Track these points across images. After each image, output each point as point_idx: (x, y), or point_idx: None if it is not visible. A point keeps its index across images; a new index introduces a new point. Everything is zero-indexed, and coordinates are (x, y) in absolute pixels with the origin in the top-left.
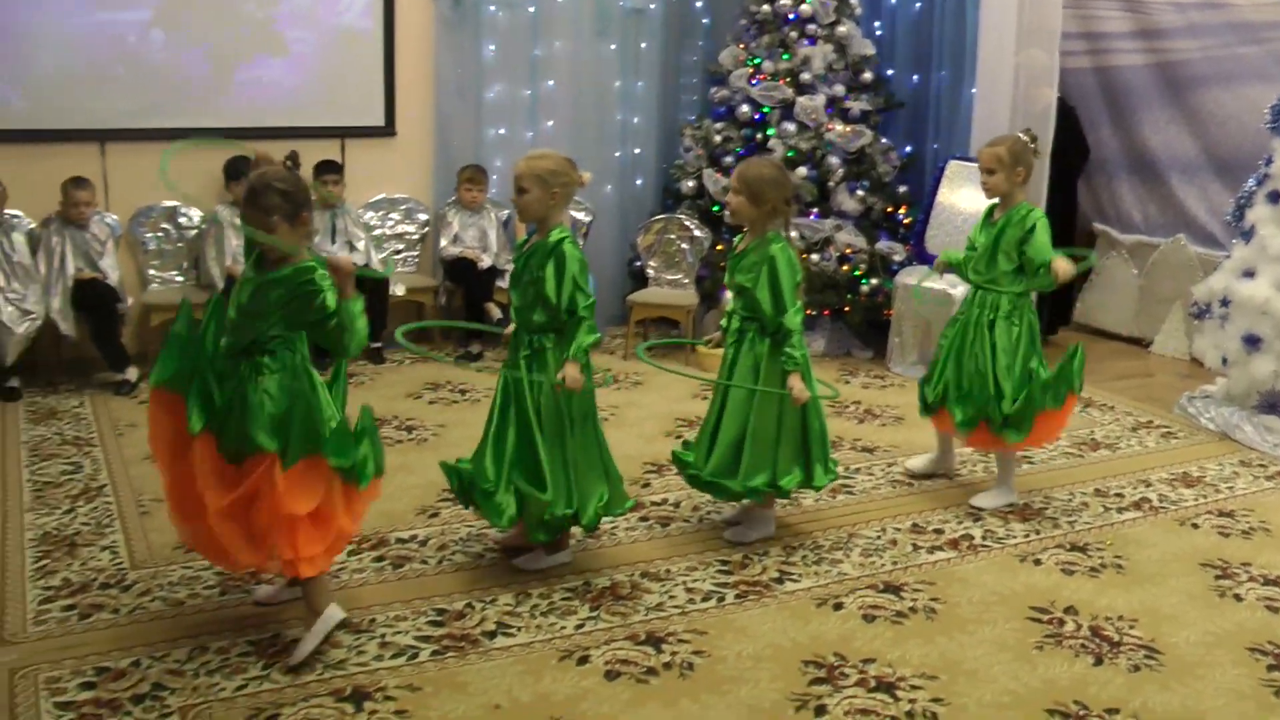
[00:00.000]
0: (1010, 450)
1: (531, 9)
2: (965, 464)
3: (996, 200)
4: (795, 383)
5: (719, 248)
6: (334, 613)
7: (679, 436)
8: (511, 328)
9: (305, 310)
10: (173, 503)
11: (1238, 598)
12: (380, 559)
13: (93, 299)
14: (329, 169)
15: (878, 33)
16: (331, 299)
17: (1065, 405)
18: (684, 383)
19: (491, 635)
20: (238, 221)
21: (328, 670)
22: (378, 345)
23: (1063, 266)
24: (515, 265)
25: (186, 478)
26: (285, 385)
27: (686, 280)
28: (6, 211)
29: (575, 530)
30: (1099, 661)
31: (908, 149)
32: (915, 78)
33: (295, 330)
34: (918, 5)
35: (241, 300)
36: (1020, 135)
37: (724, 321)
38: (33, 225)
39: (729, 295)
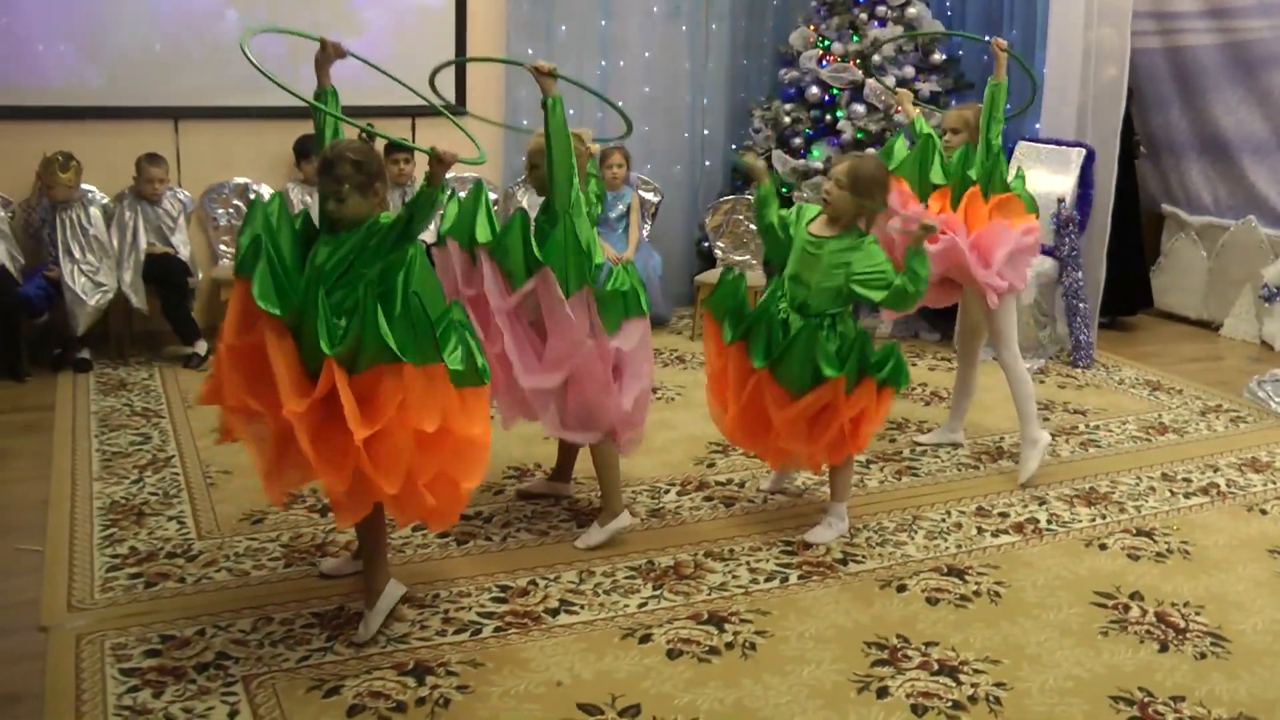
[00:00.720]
0: None
1: None
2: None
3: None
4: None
5: None
6: (395, 589)
7: None
8: None
9: (396, 247)
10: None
11: None
12: (445, 535)
13: (164, 273)
14: (397, 148)
15: (948, 11)
16: (416, 222)
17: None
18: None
19: (554, 613)
20: (308, 199)
21: (390, 644)
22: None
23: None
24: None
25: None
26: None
27: (754, 261)
28: (82, 186)
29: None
30: (1164, 648)
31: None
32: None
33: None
34: None
35: (318, 260)
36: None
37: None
38: (107, 200)
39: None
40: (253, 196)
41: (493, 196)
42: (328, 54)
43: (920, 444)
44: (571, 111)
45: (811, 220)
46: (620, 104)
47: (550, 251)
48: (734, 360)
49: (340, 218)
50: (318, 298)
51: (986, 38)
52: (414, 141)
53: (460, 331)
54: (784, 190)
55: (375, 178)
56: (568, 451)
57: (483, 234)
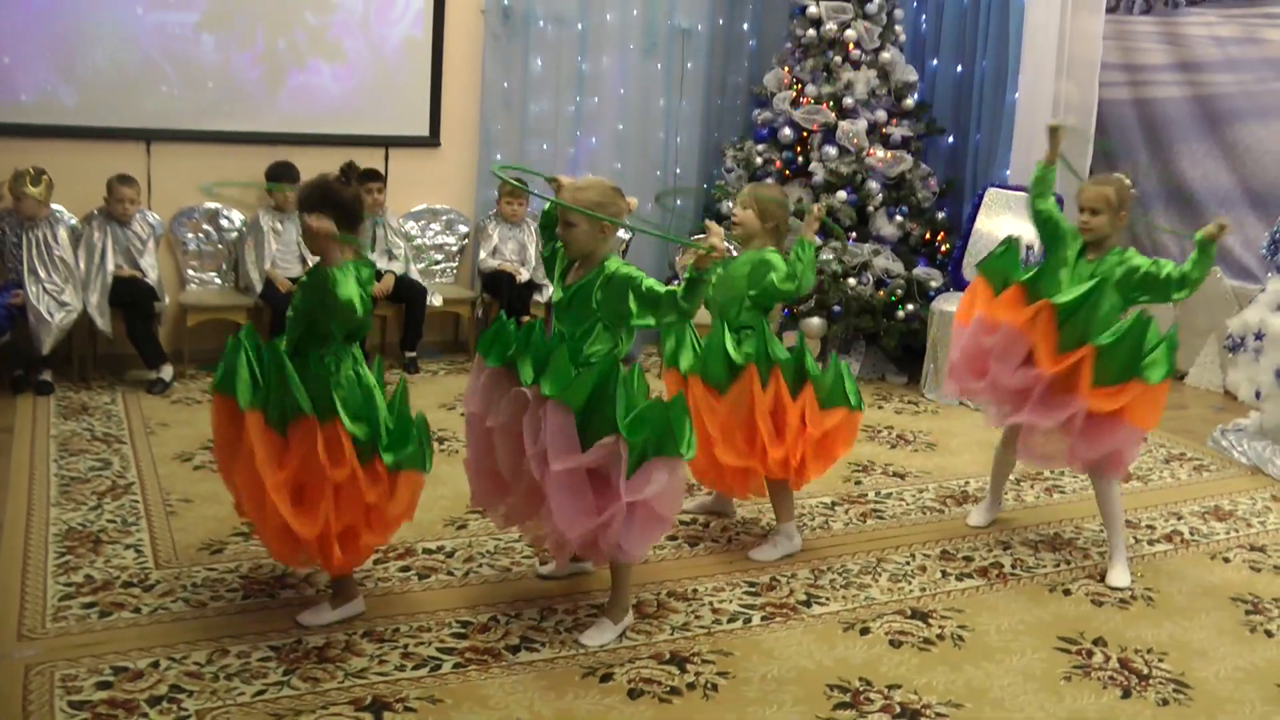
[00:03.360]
0: None
1: (580, 25)
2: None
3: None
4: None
5: None
6: (359, 605)
7: None
8: None
9: (317, 297)
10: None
11: (1268, 633)
12: (406, 569)
13: (131, 296)
14: (371, 177)
15: (923, 55)
16: (343, 291)
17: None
18: None
19: (515, 649)
20: (278, 227)
21: (348, 679)
22: (413, 355)
23: (1210, 231)
24: (560, 297)
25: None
26: (350, 378)
27: None
28: (51, 206)
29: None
30: (1127, 694)
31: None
32: (958, 68)
33: (325, 317)
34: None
35: (295, 299)
36: (1123, 178)
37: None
38: (75, 221)
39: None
40: (223, 222)
41: (462, 230)
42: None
43: (972, 526)
44: (545, 146)
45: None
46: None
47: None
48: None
49: (310, 247)
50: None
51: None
52: (387, 170)
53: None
54: None
55: (348, 217)
56: None
57: (577, 398)
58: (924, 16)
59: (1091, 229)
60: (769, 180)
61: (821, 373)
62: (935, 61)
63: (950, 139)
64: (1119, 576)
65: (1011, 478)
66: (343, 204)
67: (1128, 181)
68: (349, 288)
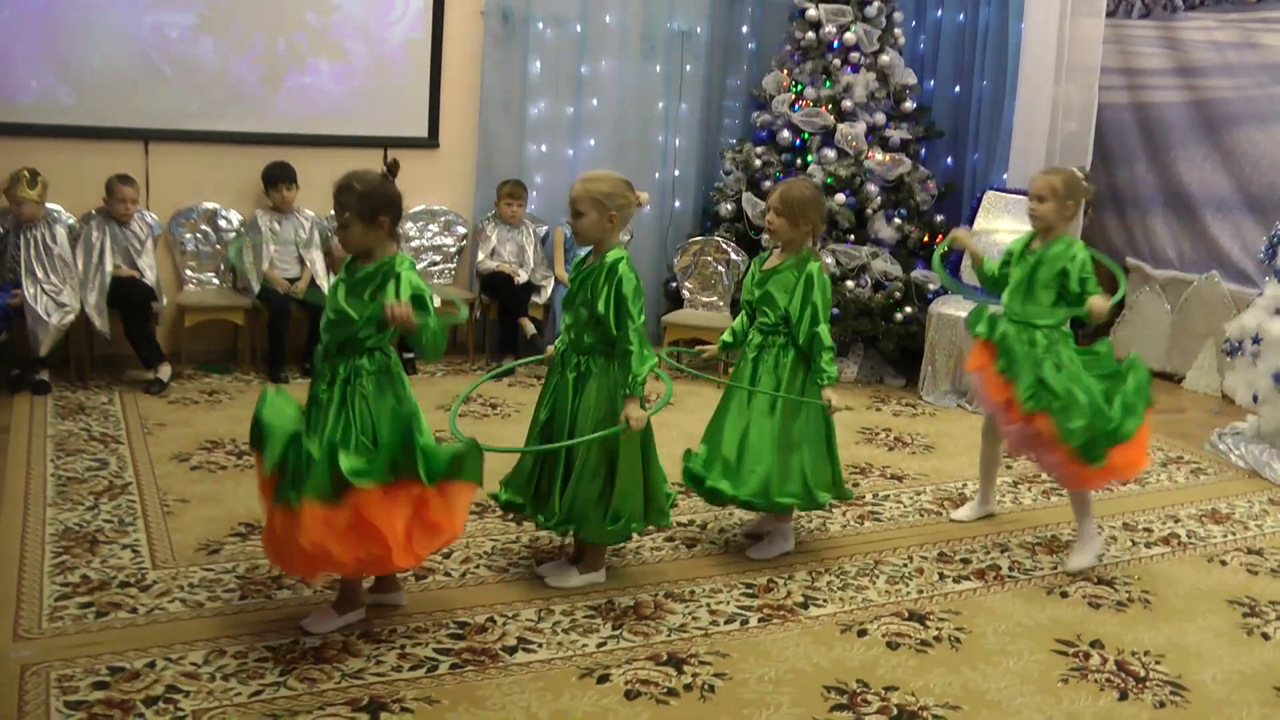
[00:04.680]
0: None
1: (579, 27)
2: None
3: (1032, 231)
4: (831, 394)
5: None
6: (362, 612)
7: None
8: (551, 349)
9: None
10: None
11: (1265, 636)
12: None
13: (129, 297)
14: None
15: (921, 57)
16: (407, 289)
17: (1140, 431)
18: (713, 403)
19: (512, 650)
20: (276, 227)
21: (345, 679)
22: (410, 355)
23: (1098, 304)
24: (570, 286)
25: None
26: (383, 388)
27: (721, 303)
28: (48, 206)
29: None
30: (1124, 696)
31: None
32: (956, 88)
33: (383, 329)
34: (960, 18)
35: (337, 301)
36: (1075, 170)
37: (726, 337)
38: (73, 221)
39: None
40: (221, 223)
41: (461, 231)
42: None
43: (957, 520)
44: (544, 149)
45: (765, 259)
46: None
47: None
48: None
49: (346, 245)
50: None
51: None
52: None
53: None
54: (752, 235)
55: (380, 210)
56: None
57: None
58: (922, 37)
59: (1038, 216)
60: (801, 177)
61: None
62: (933, 82)
63: (949, 160)
64: (1077, 560)
65: (1009, 479)
66: (396, 204)
67: (1080, 174)
68: (431, 319)
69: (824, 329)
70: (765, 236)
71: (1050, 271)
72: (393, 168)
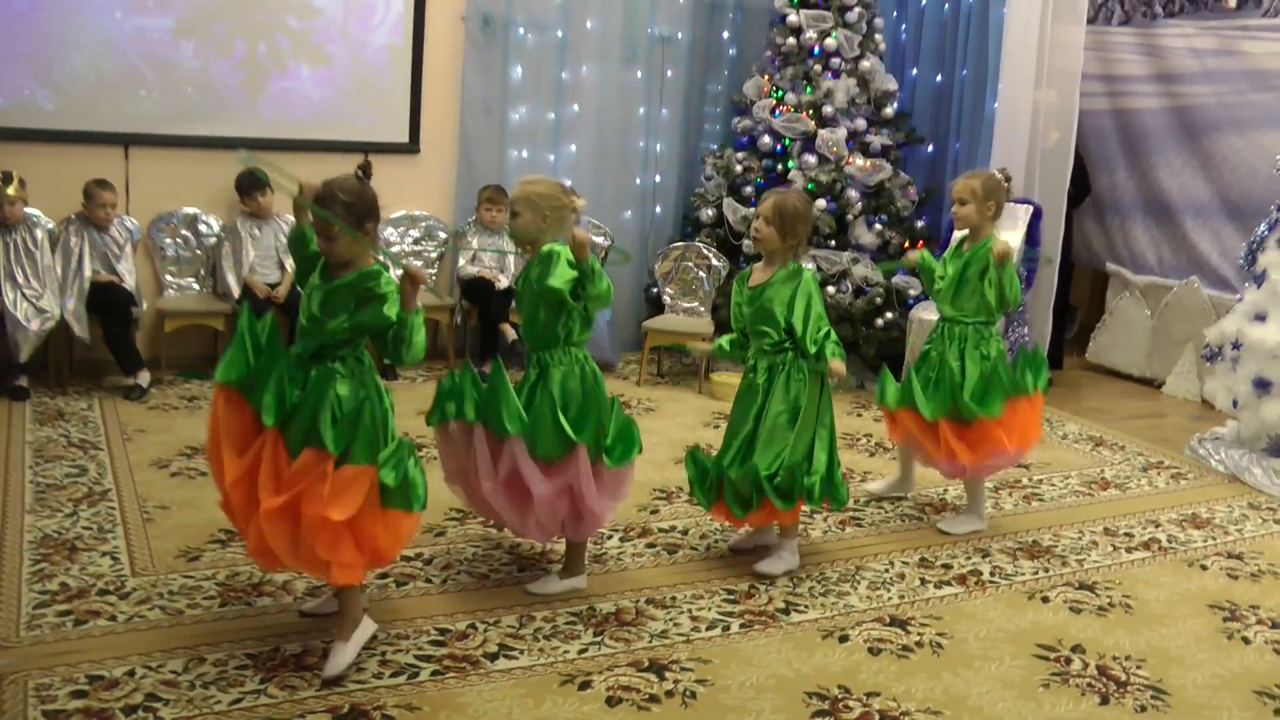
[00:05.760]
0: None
1: (560, 33)
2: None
3: (966, 232)
4: (838, 365)
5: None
6: (370, 625)
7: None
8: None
9: (368, 314)
10: (233, 496)
11: (1245, 640)
12: (384, 576)
13: (108, 302)
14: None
15: (902, 62)
16: (393, 307)
17: (1032, 400)
18: (696, 409)
19: (493, 657)
20: (256, 233)
21: (325, 687)
22: (388, 362)
23: (1002, 244)
24: (517, 288)
25: (249, 474)
26: (355, 392)
27: (702, 309)
28: (27, 210)
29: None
30: (1105, 701)
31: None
32: (938, 77)
33: (359, 335)
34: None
35: (312, 308)
36: (995, 172)
37: (724, 343)
38: (52, 225)
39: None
40: (201, 228)
41: (442, 236)
42: (304, 195)
43: (867, 491)
44: (525, 154)
45: (748, 277)
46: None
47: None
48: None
49: (331, 255)
50: (273, 368)
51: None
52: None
53: (405, 452)
54: (734, 241)
55: (365, 218)
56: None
57: (514, 425)
58: (904, 26)
59: (960, 217)
60: (794, 189)
61: None
62: (915, 71)
63: (930, 148)
64: (953, 524)
65: (990, 485)
66: (377, 209)
67: (999, 176)
68: (421, 335)
69: (834, 334)
70: (747, 244)
71: (976, 270)
72: (365, 169)
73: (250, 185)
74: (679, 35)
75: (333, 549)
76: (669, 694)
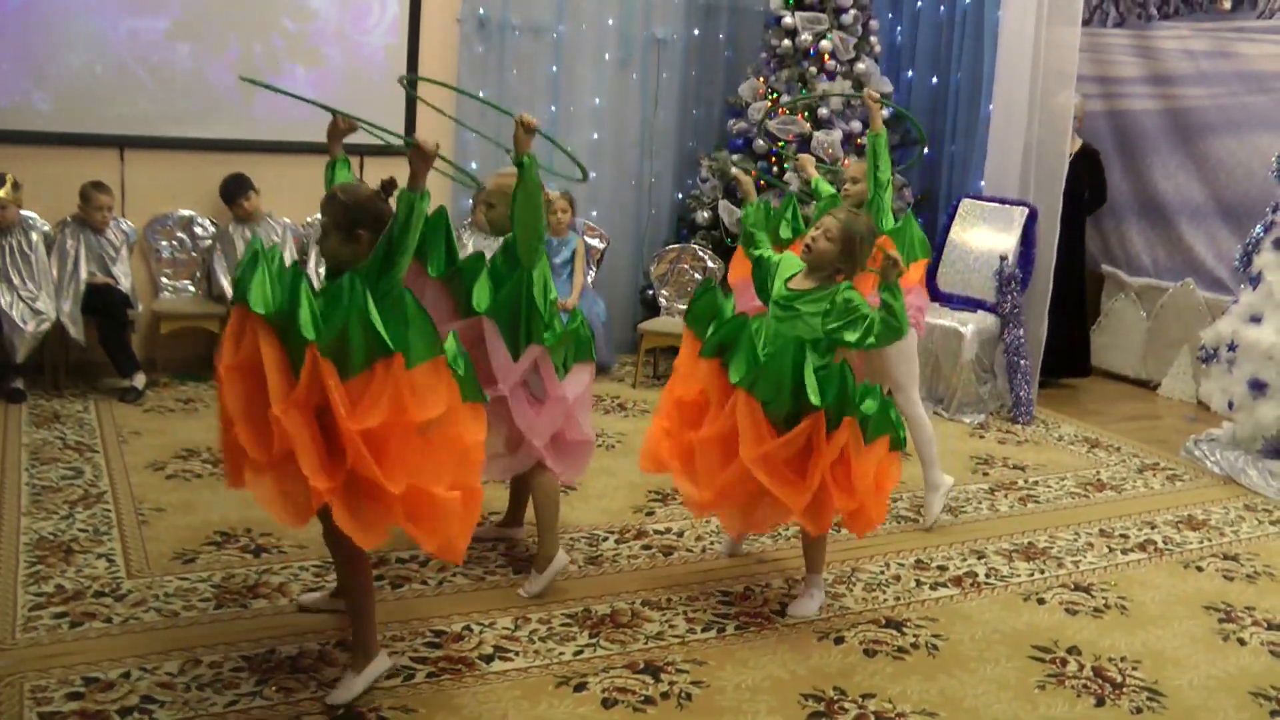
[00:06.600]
0: None
1: (555, 35)
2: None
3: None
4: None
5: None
6: (384, 660)
7: None
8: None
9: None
10: (246, 443)
11: (1241, 642)
12: (380, 578)
13: (104, 304)
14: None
15: (897, 60)
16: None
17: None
18: None
19: (489, 659)
20: (247, 236)
21: (321, 689)
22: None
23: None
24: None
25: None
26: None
27: None
28: (22, 212)
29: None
30: (1100, 702)
31: (930, 151)
32: (934, 79)
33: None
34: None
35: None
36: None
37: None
38: (48, 228)
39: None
40: (196, 230)
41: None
42: (339, 127)
43: None
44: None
45: (791, 276)
46: (572, 149)
47: (504, 303)
48: (711, 379)
49: (323, 252)
50: (300, 290)
51: (859, 91)
52: (360, 178)
53: (458, 347)
54: (728, 242)
55: (360, 224)
56: (519, 494)
57: (436, 268)
58: (899, 28)
59: (850, 196)
60: (866, 214)
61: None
62: (910, 73)
63: (925, 150)
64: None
65: (986, 486)
66: (380, 221)
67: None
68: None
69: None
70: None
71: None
72: (388, 186)
73: (235, 190)
74: (674, 37)
75: (437, 475)
76: (664, 696)
